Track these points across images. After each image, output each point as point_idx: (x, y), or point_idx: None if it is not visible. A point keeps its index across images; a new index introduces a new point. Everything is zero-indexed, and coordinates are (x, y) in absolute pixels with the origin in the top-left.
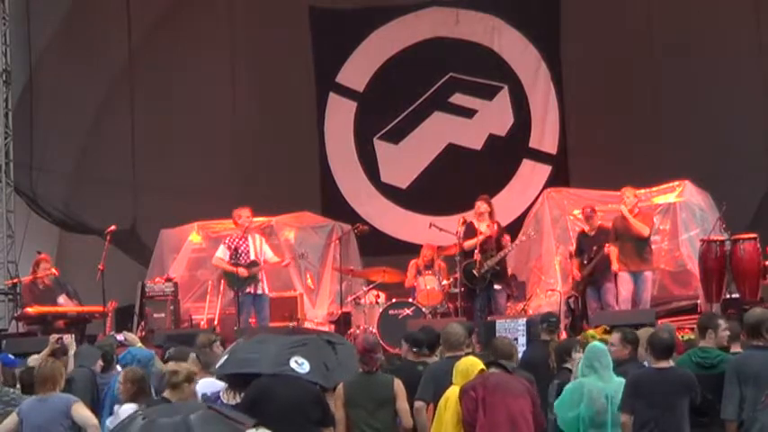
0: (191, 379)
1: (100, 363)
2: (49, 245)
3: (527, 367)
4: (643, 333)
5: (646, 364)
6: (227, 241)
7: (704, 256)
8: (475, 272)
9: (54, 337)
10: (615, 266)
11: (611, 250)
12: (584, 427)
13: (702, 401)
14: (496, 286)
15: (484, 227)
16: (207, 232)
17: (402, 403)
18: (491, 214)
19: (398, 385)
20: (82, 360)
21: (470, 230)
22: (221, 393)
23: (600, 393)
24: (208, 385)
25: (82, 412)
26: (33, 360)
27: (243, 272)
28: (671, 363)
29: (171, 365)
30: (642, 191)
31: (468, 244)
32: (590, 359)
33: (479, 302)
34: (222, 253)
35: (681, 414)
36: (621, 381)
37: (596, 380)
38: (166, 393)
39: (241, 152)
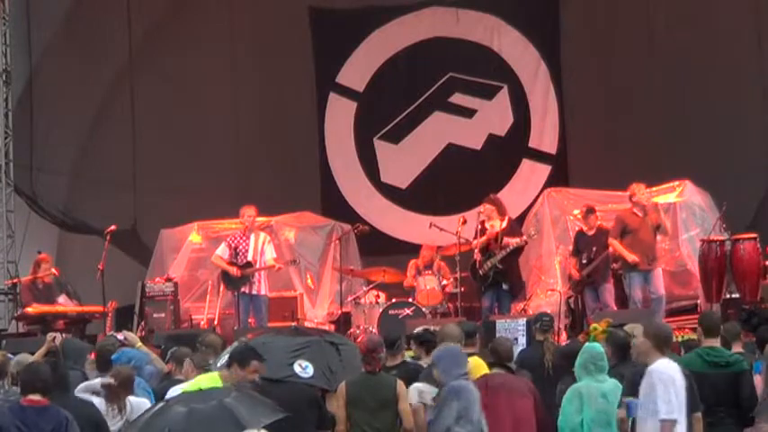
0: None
1: (91, 360)
2: (49, 245)
3: (522, 367)
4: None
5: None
6: (228, 239)
7: (704, 256)
8: (480, 270)
9: (51, 335)
10: (631, 258)
11: (616, 245)
12: (589, 429)
13: (709, 402)
14: (504, 286)
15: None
16: (207, 232)
17: (404, 404)
18: (500, 212)
19: (401, 386)
20: (67, 356)
21: (483, 230)
22: None
23: (597, 392)
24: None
25: None
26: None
27: (233, 271)
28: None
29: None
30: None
31: (474, 243)
32: (586, 361)
33: (486, 302)
34: (222, 251)
35: None
36: (615, 381)
37: (590, 381)
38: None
39: (241, 152)
